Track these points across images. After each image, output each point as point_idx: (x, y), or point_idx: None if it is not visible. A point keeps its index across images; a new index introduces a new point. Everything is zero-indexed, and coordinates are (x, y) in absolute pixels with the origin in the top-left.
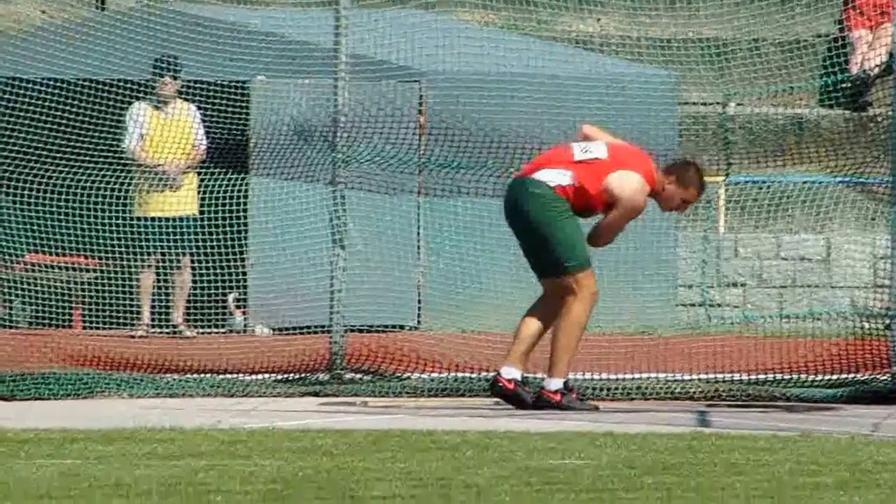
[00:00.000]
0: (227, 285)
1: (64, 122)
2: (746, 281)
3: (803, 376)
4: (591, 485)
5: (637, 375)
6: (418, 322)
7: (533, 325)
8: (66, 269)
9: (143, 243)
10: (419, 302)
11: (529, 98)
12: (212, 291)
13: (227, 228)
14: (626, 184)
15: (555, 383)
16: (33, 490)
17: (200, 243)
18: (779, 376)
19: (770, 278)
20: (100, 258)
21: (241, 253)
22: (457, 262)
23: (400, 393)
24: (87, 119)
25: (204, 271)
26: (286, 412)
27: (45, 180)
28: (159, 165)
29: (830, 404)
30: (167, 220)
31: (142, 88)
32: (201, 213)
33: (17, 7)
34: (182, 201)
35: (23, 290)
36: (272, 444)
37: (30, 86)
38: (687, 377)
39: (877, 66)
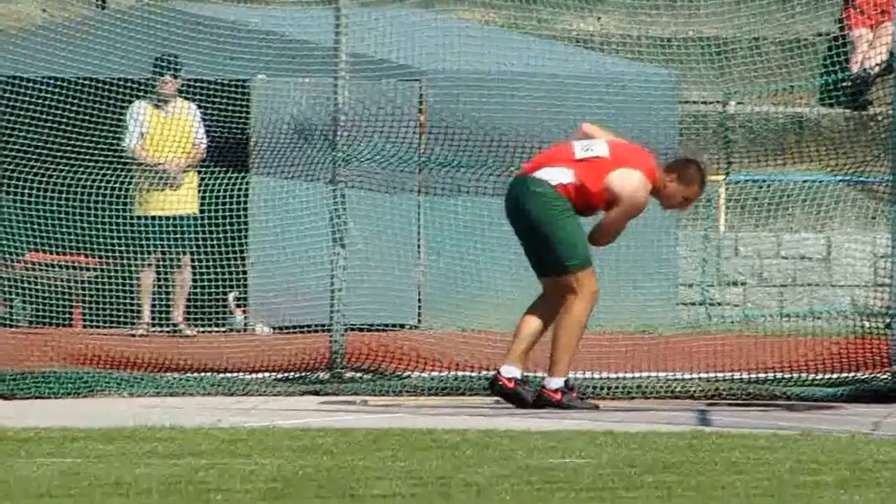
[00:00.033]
0: (227, 284)
1: (64, 120)
2: (747, 280)
3: (804, 375)
4: (592, 483)
5: (637, 374)
6: (418, 321)
7: (533, 323)
8: (67, 267)
9: (144, 242)
10: (419, 301)
11: (530, 97)
12: (212, 290)
13: (228, 227)
14: (628, 181)
15: (555, 382)
16: (34, 489)
17: (201, 242)
18: (779, 375)
19: (770, 277)
20: (100, 257)
21: (242, 252)
22: (457, 260)
23: (400, 392)
24: (87, 118)
25: (204, 270)
26: (286, 411)
27: (45, 179)
28: (159, 164)
29: (831, 403)
30: (167, 218)
31: (142, 87)
32: (202, 211)
33: (17, 6)
34: (182, 200)
35: (23, 288)
36: (272, 443)
37: (30, 85)
38: (687, 376)
39: (877, 64)
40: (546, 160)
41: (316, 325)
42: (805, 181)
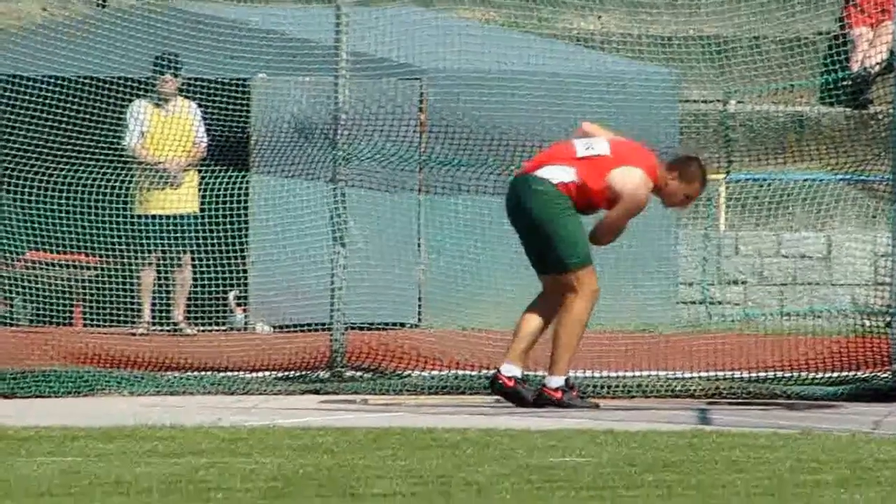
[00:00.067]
0: (227, 283)
1: (65, 119)
2: (747, 278)
3: (804, 374)
4: (592, 482)
5: (638, 373)
6: (419, 320)
7: (532, 322)
8: (67, 266)
9: (144, 241)
10: (420, 299)
11: (530, 96)
12: (212, 289)
13: (228, 226)
14: (629, 179)
15: (556, 381)
16: (34, 488)
17: (201, 241)
18: (779, 374)
19: (771, 276)
20: (101, 256)
21: (242, 251)
22: (457, 259)
23: (400, 391)
24: (87, 117)
25: (205, 269)
26: (287, 410)
27: (46, 178)
28: (160, 163)
29: (831, 402)
30: (168, 217)
31: (142, 86)
32: (202, 210)
33: (18, 4)
34: (183, 199)
35: (23, 287)
36: (273, 442)
37: (30, 83)
38: (687, 375)
39: (877, 63)
40: (547, 159)
41: (316, 324)
42: (805, 180)
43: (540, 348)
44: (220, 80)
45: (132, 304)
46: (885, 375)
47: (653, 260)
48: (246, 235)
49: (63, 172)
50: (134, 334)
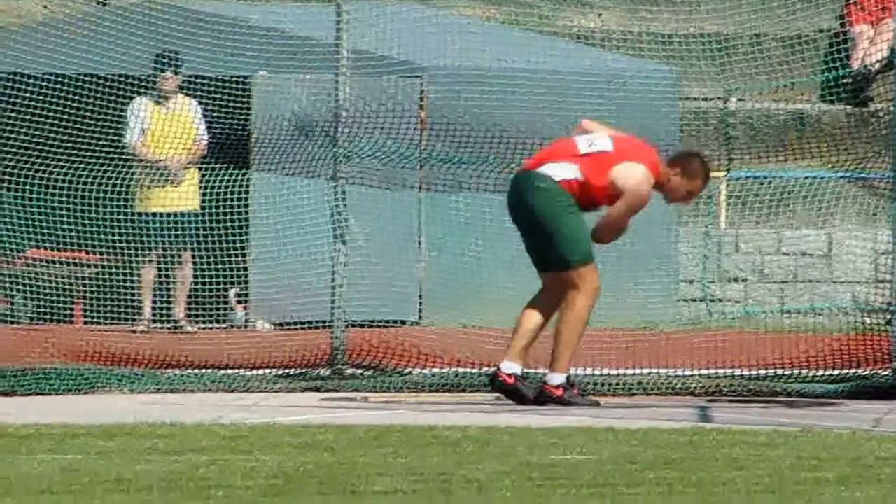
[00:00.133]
0: (228, 280)
1: (65, 117)
2: (747, 276)
3: (804, 371)
4: (593, 480)
5: (638, 371)
6: (419, 317)
7: (533, 319)
8: (68, 264)
9: (145, 239)
10: (420, 297)
11: (531, 93)
12: (213, 287)
13: (229, 224)
14: (631, 175)
15: (556, 378)
16: (34, 485)
17: (202, 238)
18: (780, 371)
19: (771, 273)
20: (101, 253)
21: (243, 248)
22: (458, 257)
23: (401, 388)
24: (88, 114)
25: (205, 266)
26: (287, 407)
27: (46, 176)
28: (160, 161)
29: (831, 399)
30: (168, 215)
31: (143, 84)
32: (202, 208)
33: (18, 2)
34: (183, 196)
35: (24, 285)
36: (273, 440)
37: (31, 81)
38: (688, 372)
39: (878, 61)
40: (549, 156)
41: (317, 322)
42: (806, 177)
43: (540, 345)
44: (220, 77)
45: (133, 301)
46: (885, 373)
47: (653, 257)
48: (246, 233)
49: (64, 170)
50: (134, 332)
